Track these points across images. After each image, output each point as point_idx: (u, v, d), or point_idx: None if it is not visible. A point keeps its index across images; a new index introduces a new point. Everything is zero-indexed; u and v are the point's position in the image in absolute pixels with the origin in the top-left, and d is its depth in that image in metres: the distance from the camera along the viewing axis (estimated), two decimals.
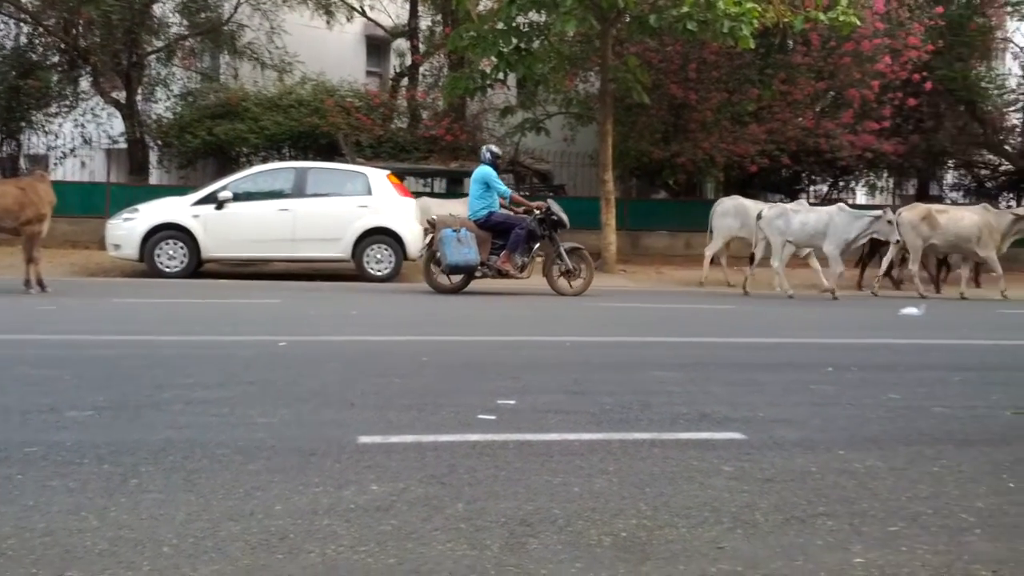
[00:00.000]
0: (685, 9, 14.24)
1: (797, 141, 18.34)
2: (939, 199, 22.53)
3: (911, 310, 10.73)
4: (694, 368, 6.29)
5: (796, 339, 8.38)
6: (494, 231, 11.61)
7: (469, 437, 4.12)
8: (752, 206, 14.80)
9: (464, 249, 11.14)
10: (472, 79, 16.87)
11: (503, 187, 12.00)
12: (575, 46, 18.14)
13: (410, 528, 2.97)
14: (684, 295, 13.00)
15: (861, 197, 25.04)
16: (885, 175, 23.26)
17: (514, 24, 16.06)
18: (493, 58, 15.90)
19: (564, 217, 11.93)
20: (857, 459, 3.94)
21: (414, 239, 13.45)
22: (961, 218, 13.98)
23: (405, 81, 20.91)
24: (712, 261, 15.18)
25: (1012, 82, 23.28)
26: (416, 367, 5.98)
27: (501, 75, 16.49)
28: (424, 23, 20.94)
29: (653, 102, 17.56)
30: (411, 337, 7.54)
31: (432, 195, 17.81)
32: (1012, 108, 23.14)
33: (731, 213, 14.76)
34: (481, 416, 4.53)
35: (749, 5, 14.33)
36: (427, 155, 18.42)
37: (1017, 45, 23.47)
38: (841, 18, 15.06)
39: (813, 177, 21.97)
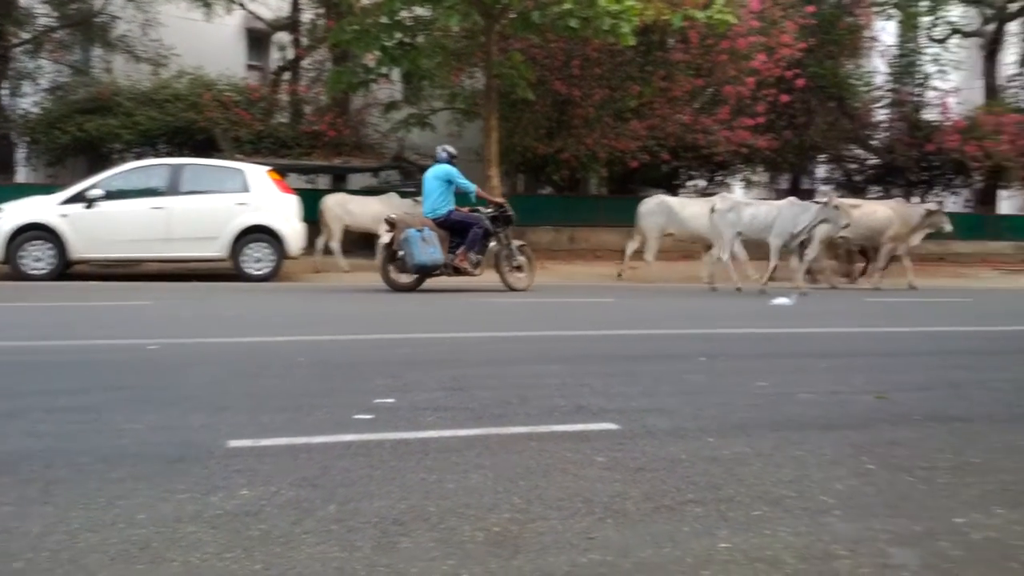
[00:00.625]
0: (567, 6, 14.40)
1: (676, 137, 18.77)
2: (811, 193, 23.41)
3: (783, 300, 11.12)
4: (573, 361, 6.37)
5: (673, 330, 8.57)
6: (452, 229, 11.83)
7: (344, 438, 4.06)
8: (677, 204, 15.31)
9: (430, 249, 11.42)
10: (355, 73, 16.71)
11: (469, 184, 12.20)
12: (460, 41, 18.12)
13: (279, 532, 2.91)
14: (566, 290, 13.14)
15: (738, 192, 25.83)
16: (760, 169, 24.02)
17: (398, 18, 15.96)
18: (377, 52, 15.77)
19: (512, 213, 12.45)
20: (725, 446, 4.04)
21: (295, 237, 13.23)
22: (874, 212, 14.59)
23: (287, 75, 20.52)
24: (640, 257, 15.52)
25: (879, 79, 24.37)
26: (292, 368, 5.86)
27: (385, 70, 16.38)
28: (306, 16, 20.56)
29: (537, 98, 17.71)
30: (288, 337, 7.40)
31: (351, 191, 17.36)
32: (878, 104, 24.22)
33: (657, 211, 15.10)
34: (357, 416, 4.47)
35: (629, 3, 14.59)
36: (310, 151, 18.14)
37: (883, 44, 24.57)
38: (717, 16, 15.49)
39: (692, 172, 22.52)
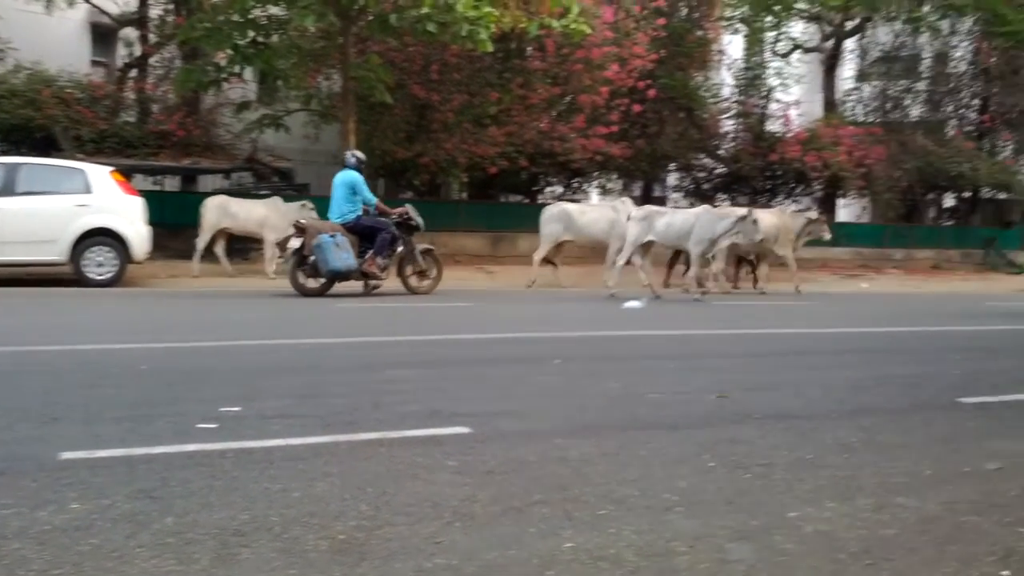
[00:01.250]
0: (425, 10, 14.39)
1: (534, 144, 19.02)
2: (662, 200, 24.17)
3: (634, 304, 11.41)
4: (428, 366, 6.35)
5: (529, 334, 8.66)
6: (360, 235, 11.96)
7: (186, 448, 3.91)
8: (576, 211, 15.54)
9: (344, 254, 11.49)
10: (206, 72, 16.21)
11: (371, 195, 12.37)
12: (316, 42, 17.85)
13: (112, 547, 2.77)
14: (429, 295, 13.08)
15: (595, 198, 26.40)
16: (615, 177, 24.60)
17: (251, 17, 15.58)
18: (229, 51, 15.33)
19: (420, 221, 12.57)
20: (574, 447, 4.10)
21: (140, 241, 12.70)
22: (760, 220, 15.10)
23: (134, 72, 19.72)
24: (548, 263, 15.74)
25: (726, 91, 25.37)
26: (133, 376, 5.62)
27: (237, 69, 15.94)
28: (155, 11, 19.81)
29: (396, 102, 17.62)
30: (130, 345, 7.08)
31: (232, 194, 16.68)
32: (725, 115, 25.21)
33: (556, 219, 15.29)
34: (201, 425, 4.31)
35: (487, 10, 14.69)
36: (157, 151, 17.48)
37: (730, 57, 25.60)
38: (573, 26, 15.78)
39: (550, 179, 22.86)
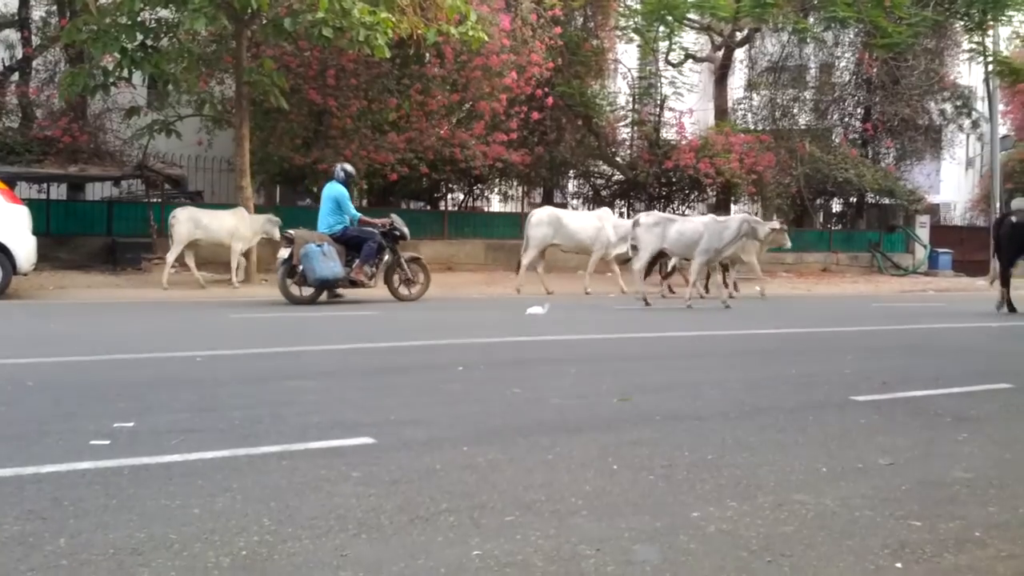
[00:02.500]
0: (321, 15, 14.21)
1: (434, 150, 18.98)
2: (563, 206, 24.40)
3: (536, 309, 11.49)
4: (330, 376, 6.25)
5: (433, 341, 8.62)
6: (347, 244, 12.42)
7: (78, 465, 3.75)
8: (565, 215, 15.89)
9: (331, 263, 11.93)
10: (93, 76, 15.65)
11: (354, 211, 12.92)
12: (209, 46, 17.48)
13: (2, 571, 2.64)
14: (323, 303, 12.89)
15: (496, 205, 26.52)
16: (515, 184, 24.76)
17: (140, 19, 15.12)
18: (116, 54, 14.85)
19: (406, 230, 13.08)
20: (480, 453, 4.09)
21: (26, 251, 12.18)
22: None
23: (15, 76, 18.92)
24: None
25: (622, 99, 25.81)
26: (21, 393, 5.37)
27: (125, 73, 15.46)
28: (37, 13, 19.08)
29: (292, 107, 17.34)
30: (16, 360, 6.78)
31: (201, 206, 16.70)
32: (622, 123, 25.64)
33: (546, 223, 15.49)
34: (94, 442, 4.15)
35: (384, 15, 14.59)
36: (42, 158, 16.81)
37: (625, 66, 26.05)
38: (471, 33, 15.80)
39: (451, 185, 22.86)
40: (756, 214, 28.64)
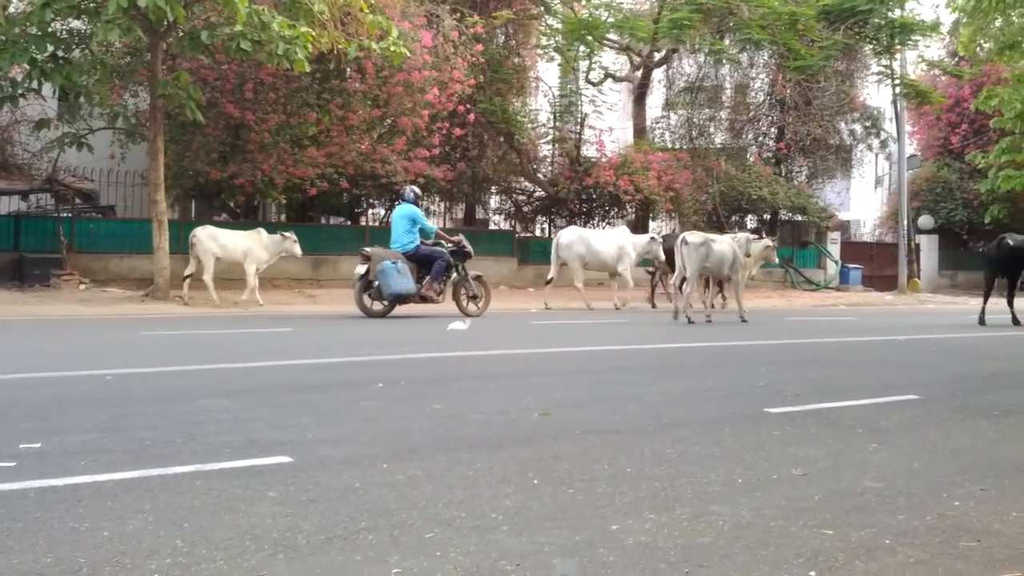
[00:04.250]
0: (239, 28, 14.02)
1: (355, 166, 18.82)
2: (485, 222, 24.45)
3: (458, 325, 11.47)
4: (244, 394, 6.12)
5: (352, 358, 8.52)
6: (419, 262, 13.24)
7: None
8: (591, 236, 16.91)
9: (404, 280, 12.81)
10: (0, 88, 15.14)
11: (431, 225, 13.87)
12: (123, 57, 17.09)
13: None
14: (240, 320, 12.68)
15: None
16: (437, 199, 24.72)
17: (50, 30, 14.70)
18: (26, 65, 14.39)
19: (470, 249, 14.01)
20: (400, 471, 4.06)
21: None
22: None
23: None
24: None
25: (543, 117, 26.01)
26: None
27: (35, 84, 15.00)
28: None
29: (209, 121, 17.03)
30: None
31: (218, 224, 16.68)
32: (544, 140, 25.84)
33: (576, 243, 16.44)
34: None
35: (303, 30, 14.45)
36: None
37: (547, 84, 26.28)
38: (392, 48, 15.74)
39: (372, 200, 22.70)
40: (674, 231, 29.21)
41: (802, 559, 3.09)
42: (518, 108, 24.84)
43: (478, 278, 14.19)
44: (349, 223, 22.94)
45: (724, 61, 27.25)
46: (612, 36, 25.56)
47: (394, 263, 12.79)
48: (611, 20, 24.58)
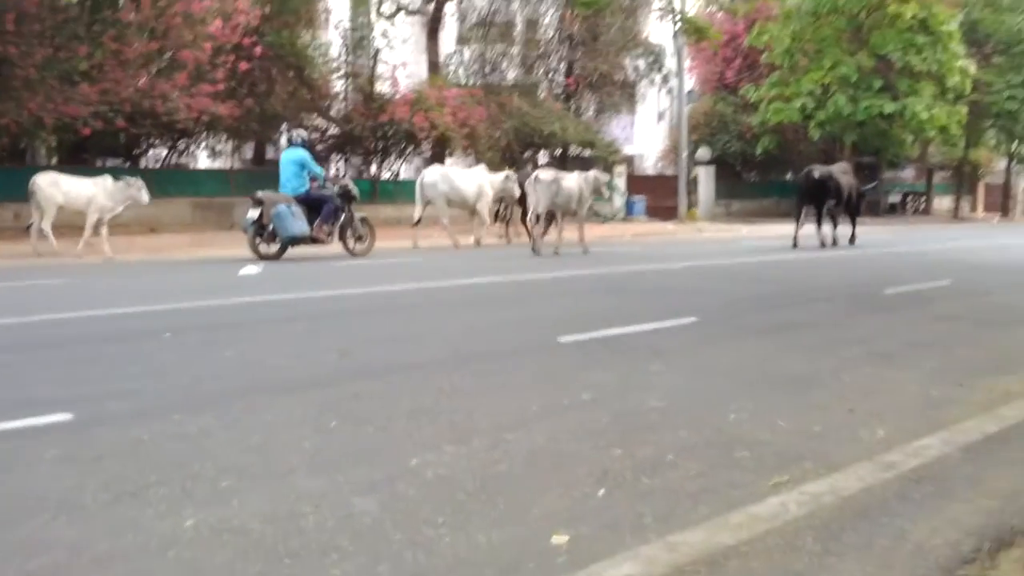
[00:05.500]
0: None
1: (132, 103, 17.72)
2: (275, 162, 23.64)
3: (250, 269, 11.15)
4: (19, 350, 5.74)
5: (137, 308, 8.07)
6: (309, 205, 13.51)
7: None
8: (454, 174, 17.27)
9: (299, 222, 13.14)
10: None
11: (319, 168, 14.28)
12: None
13: None
14: (9, 271, 11.77)
15: (203, 161, 25.27)
16: (224, 138, 23.72)
17: None
18: None
19: (357, 191, 14.51)
20: (191, 421, 3.95)
21: None
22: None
23: None
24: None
25: (335, 51, 25.31)
26: None
27: None
28: None
29: None
30: None
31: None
32: (336, 75, 25.18)
33: (440, 181, 16.58)
34: None
35: None
36: None
37: (338, 16, 25.55)
38: None
39: (152, 141, 21.50)
40: (470, 167, 29.39)
41: (592, 479, 3.27)
42: (308, 42, 24.04)
43: (363, 219, 14.55)
44: (128, 165, 21.63)
45: None
46: None
47: (288, 206, 13.08)
48: None
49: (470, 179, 17.26)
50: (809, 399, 4.53)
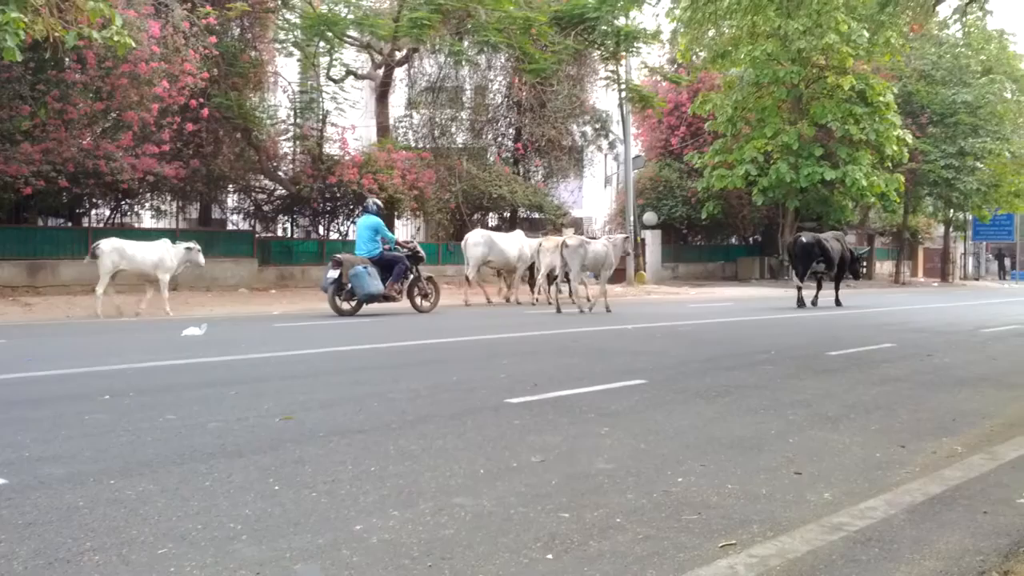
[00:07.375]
0: None
1: (76, 162, 17.53)
2: (223, 223, 23.49)
3: (193, 330, 10.97)
4: None
5: (74, 369, 7.89)
6: (381, 266, 14.91)
7: None
8: (498, 237, 18.98)
9: (375, 282, 14.48)
10: None
11: (391, 234, 15.79)
12: None
13: None
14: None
15: (148, 221, 25.00)
16: (169, 198, 23.51)
17: None
18: None
19: (423, 253, 16.14)
20: (129, 486, 3.84)
21: None
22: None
23: None
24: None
25: (283, 113, 25.37)
26: None
27: None
28: None
29: None
30: None
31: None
32: (284, 137, 25.22)
33: (481, 243, 18.42)
34: None
35: (14, 15, 13.22)
36: None
37: (286, 79, 25.66)
38: (116, 38, 14.71)
39: (95, 200, 21.22)
40: (419, 230, 29.48)
41: (540, 543, 3.23)
42: (256, 103, 24.08)
43: (429, 279, 16.17)
44: (70, 224, 21.30)
45: (463, 62, 27.78)
46: (353, 33, 25.34)
47: (364, 267, 14.43)
48: (351, 17, 24.35)
49: (511, 242, 19.04)
50: (756, 462, 4.55)
